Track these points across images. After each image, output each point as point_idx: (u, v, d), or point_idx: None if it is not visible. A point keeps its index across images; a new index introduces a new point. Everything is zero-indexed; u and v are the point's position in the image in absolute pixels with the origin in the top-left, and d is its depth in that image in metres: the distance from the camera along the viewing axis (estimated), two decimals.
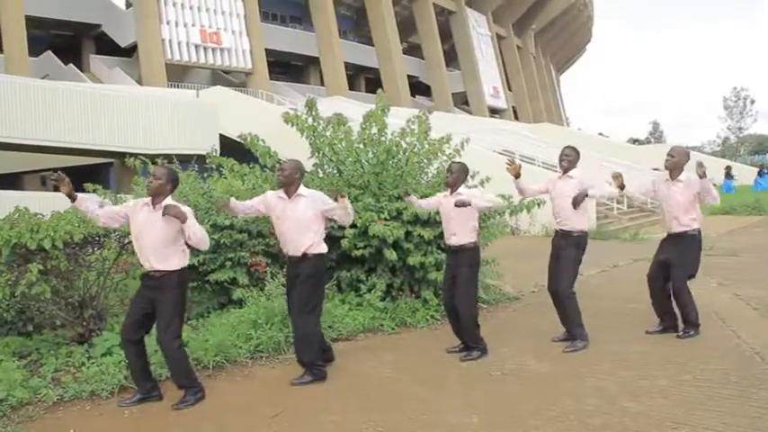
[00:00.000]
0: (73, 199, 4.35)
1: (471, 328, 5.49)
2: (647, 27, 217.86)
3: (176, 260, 4.43)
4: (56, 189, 4.37)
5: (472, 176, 6.49)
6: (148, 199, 4.48)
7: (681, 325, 5.93)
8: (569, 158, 5.75)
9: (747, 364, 5.03)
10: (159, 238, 4.39)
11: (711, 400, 4.29)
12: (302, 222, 4.86)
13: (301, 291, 4.92)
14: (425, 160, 7.43)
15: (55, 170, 4.46)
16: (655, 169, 16.82)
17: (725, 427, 3.86)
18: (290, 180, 4.90)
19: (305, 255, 4.88)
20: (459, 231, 5.43)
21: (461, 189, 5.48)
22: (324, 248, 4.96)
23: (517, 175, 5.79)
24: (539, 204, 7.06)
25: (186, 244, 4.49)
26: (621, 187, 5.92)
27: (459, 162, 5.78)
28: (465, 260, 5.47)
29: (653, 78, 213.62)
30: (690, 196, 5.71)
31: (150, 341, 4.64)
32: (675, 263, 5.82)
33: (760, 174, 31.64)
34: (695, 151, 40.48)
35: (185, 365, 4.57)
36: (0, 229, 5.21)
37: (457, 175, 5.51)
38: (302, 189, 4.93)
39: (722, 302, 7.27)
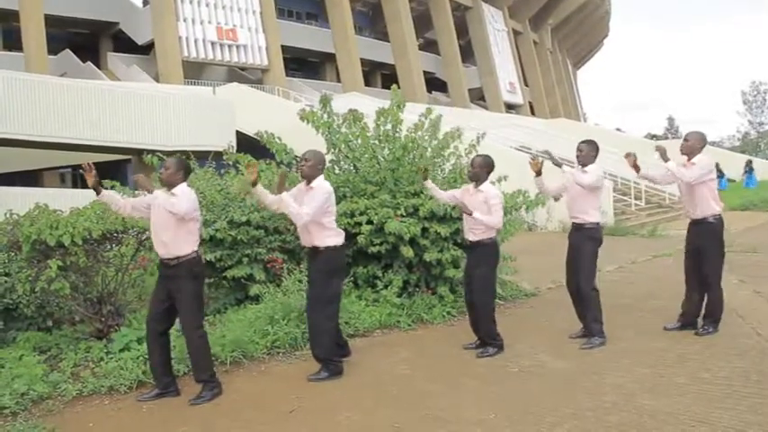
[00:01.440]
0: (98, 192, 4.47)
1: (487, 323, 5.47)
2: (664, 22, 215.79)
3: (187, 246, 4.46)
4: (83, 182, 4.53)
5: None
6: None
7: (700, 322, 5.87)
8: (582, 153, 5.69)
9: None
10: (168, 223, 4.45)
11: (731, 398, 4.24)
12: None
13: (314, 285, 4.93)
14: (439, 156, 7.38)
15: (79, 166, 4.63)
16: None
17: (745, 425, 3.81)
18: (313, 171, 4.87)
19: (316, 248, 4.88)
20: (476, 227, 5.40)
21: (486, 185, 5.42)
22: (335, 241, 4.89)
23: (538, 173, 5.75)
24: (556, 199, 6.99)
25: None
26: (636, 168, 5.71)
27: (482, 155, 5.64)
28: (482, 256, 5.45)
29: (669, 73, 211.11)
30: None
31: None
32: (702, 253, 5.77)
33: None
34: (714, 146, 40.04)
35: (207, 358, 4.61)
36: (20, 225, 5.29)
37: (479, 170, 5.43)
38: (316, 181, 4.87)
39: (742, 300, 7.19)
